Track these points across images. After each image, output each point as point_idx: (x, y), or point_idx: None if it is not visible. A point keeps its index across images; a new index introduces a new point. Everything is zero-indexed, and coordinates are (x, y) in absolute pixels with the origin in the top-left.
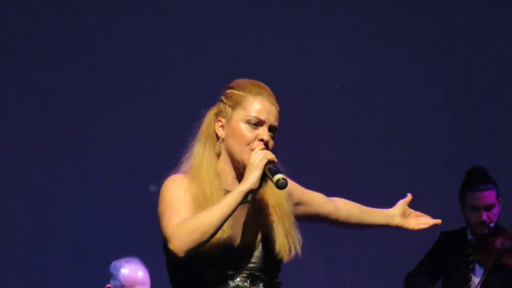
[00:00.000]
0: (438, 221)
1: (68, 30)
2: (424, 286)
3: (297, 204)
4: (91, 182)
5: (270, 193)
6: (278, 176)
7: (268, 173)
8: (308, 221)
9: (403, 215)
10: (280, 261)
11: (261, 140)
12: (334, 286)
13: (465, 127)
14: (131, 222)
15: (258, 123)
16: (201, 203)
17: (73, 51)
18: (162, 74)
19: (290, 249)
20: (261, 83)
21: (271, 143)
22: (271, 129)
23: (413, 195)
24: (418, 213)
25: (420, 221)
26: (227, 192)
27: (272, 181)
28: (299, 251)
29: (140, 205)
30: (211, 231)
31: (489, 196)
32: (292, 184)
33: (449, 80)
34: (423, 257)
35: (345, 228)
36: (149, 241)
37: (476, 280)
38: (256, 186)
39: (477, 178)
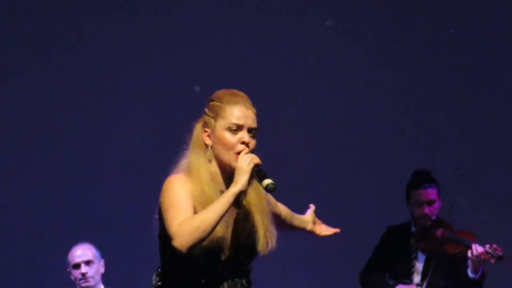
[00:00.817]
0: (337, 230)
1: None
2: (378, 281)
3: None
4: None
5: (252, 193)
6: (267, 182)
7: (256, 176)
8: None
9: (313, 222)
10: (257, 254)
11: (243, 142)
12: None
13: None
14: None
15: (237, 128)
16: (202, 202)
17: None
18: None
19: (267, 243)
20: (237, 92)
21: (252, 143)
22: (250, 130)
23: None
24: (320, 222)
25: (323, 229)
26: (221, 192)
27: (261, 184)
28: (275, 245)
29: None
30: (210, 228)
31: (432, 193)
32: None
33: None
34: (371, 254)
35: (281, 230)
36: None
37: (418, 265)
38: (245, 187)
39: (421, 178)
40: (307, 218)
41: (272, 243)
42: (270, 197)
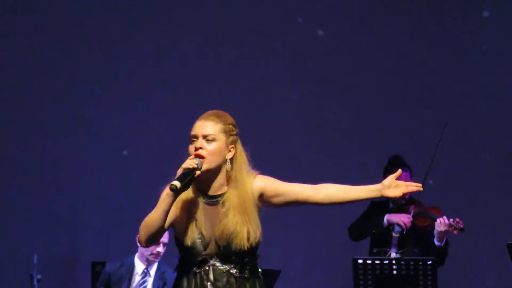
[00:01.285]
0: (419, 186)
1: None
2: (365, 226)
3: (273, 196)
4: None
5: (233, 195)
6: (173, 182)
7: (179, 178)
8: (292, 206)
9: (388, 187)
10: (242, 247)
11: (196, 149)
12: None
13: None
14: None
15: (193, 137)
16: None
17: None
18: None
19: (248, 238)
20: (209, 112)
21: (204, 147)
22: (204, 137)
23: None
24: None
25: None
26: (203, 194)
27: None
28: (258, 237)
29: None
30: (155, 224)
31: (405, 176)
32: (266, 182)
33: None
34: (359, 216)
35: (329, 206)
36: None
37: (394, 235)
38: (177, 186)
39: (397, 163)
40: (376, 186)
41: (256, 235)
42: (266, 187)
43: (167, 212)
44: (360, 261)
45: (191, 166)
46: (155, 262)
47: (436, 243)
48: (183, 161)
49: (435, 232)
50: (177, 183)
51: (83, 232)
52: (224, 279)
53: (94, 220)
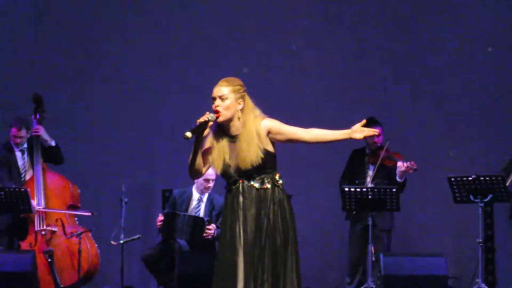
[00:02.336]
0: (375, 131)
1: None
2: (348, 178)
3: (277, 134)
4: None
5: (243, 133)
6: (185, 133)
7: (194, 128)
8: (290, 142)
9: (355, 131)
10: (251, 166)
11: (215, 106)
12: None
13: None
14: None
15: (213, 99)
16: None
17: None
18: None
19: (250, 161)
20: (221, 80)
21: (220, 105)
22: (220, 97)
23: None
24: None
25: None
26: (229, 138)
27: None
28: (256, 160)
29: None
30: (190, 160)
31: (379, 129)
32: (272, 123)
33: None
34: (344, 168)
35: (315, 143)
36: None
37: (369, 172)
38: (193, 134)
39: (372, 121)
40: (353, 128)
41: (256, 159)
42: (271, 127)
43: (195, 154)
44: (346, 189)
45: (204, 120)
46: (207, 192)
47: (398, 179)
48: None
49: (397, 171)
50: (187, 134)
51: (157, 166)
52: (251, 192)
53: (165, 156)
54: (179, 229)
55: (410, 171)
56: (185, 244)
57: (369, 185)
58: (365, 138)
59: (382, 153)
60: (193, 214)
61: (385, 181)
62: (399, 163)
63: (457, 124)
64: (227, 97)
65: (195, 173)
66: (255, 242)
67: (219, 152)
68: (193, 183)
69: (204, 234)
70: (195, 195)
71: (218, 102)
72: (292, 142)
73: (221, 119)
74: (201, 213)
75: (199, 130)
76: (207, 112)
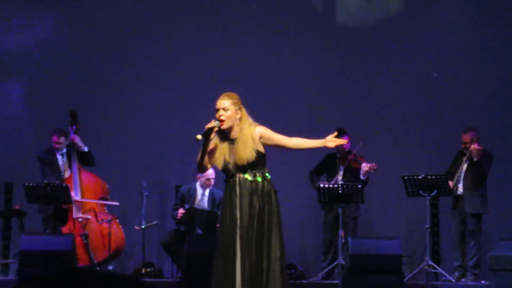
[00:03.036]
0: (344, 141)
1: None
2: (316, 173)
3: (267, 139)
4: None
5: (240, 137)
6: (196, 136)
7: (204, 132)
8: (277, 147)
9: (328, 141)
10: (245, 162)
11: (219, 115)
12: None
13: None
14: None
15: (216, 110)
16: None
17: None
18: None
19: (246, 158)
20: (224, 93)
21: (223, 115)
22: (223, 108)
23: None
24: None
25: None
26: (229, 141)
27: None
28: (251, 157)
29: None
30: (199, 159)
31: (346, 138)
32: (264, 130)
33: None
34: (316, 165)
35: (296, 150)
36: None
37: (340, 172)
38: (202, 138)
39: (342, 132)
40: (326, 138)
41: (250, 157)
42: (263, 133)
43: (203, 153)
44: (321, 185)
45: (211, 126)
46: (208, 188)
47: (362, 177)
48: (208, 121)
49: (361, 171)
50: (198, 136)
51: (170, 165)
52: (245, 183)
53: (177, 158)
54: (197, 221)
55: (372, 170)
56: (201, 233)
57: (340, 182)
58: (336, 145)
59: (350, 157)
60: (200, 207)
61: (352, 179)
62: (363, 164)
63: (409, 132)
64: (228, 108)
65: (203, 168)
66: (248, 224)
67: (221, 152)
68: (197, 181)
69: (217, 225)
70: (199, 190)
71: (221, 112)
72: (278, 147)
73: (224, 126)
74: (205, 205)
75: (206, 134)
76: (213, 120)
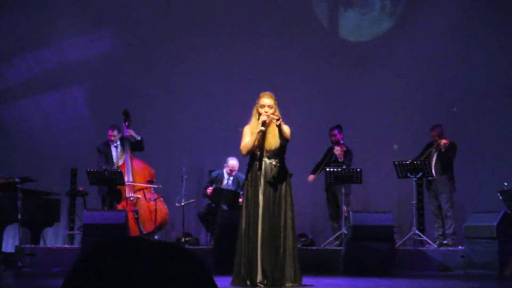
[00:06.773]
0: (274, 117)
1: None
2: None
3: (288, 134)
4: None
5: (271, 127)
6: (262, 128)
7: (262, 124)
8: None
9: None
10: (273, 149)
11: (265, 112)
12: None
13: None
14: None
15: (263, 106)
16: (252, 134)
17: None
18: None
19: (274, 144)
20: (266, 92)
21: (269, 111)
22: (269, 106)
23: None
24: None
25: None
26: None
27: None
28: (279, 143)
29: None
30: (251, 145)
31: (337, 134)
32: (288, 128)
33: None
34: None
35: (284, 139)
36: None
37: (332, 158)
38: (259, 129)
39: (334, 126)
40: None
41: (279, 143)
42: (288, 130)
43: (257, 141)
44: (327, 169)
45: (265, 120)
46: (232, 175)
47: (339, 159)
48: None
49: (337, 153)
50: (263, 128)
51: (205, 153)
52: (268, 166)
53: (211, 147)
54: (223, 198)
55: (337, 152)
56: (226, 208)
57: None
58: (331, 139)
59: (338, 152)
60: (225, 187)
61: (339, 163)
62: (336, 148)
63: (397, 126)
64: (273, 106)
65: (250, 152)
66: (269, 199)
67: (256, 139)
68: (224, 168)
69: (240, 200)
70: (225, 175)
71: (267, 109)
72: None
73: (278, 122)
74: (230, 186)
75: (264, 125)
76: (265, 115)
